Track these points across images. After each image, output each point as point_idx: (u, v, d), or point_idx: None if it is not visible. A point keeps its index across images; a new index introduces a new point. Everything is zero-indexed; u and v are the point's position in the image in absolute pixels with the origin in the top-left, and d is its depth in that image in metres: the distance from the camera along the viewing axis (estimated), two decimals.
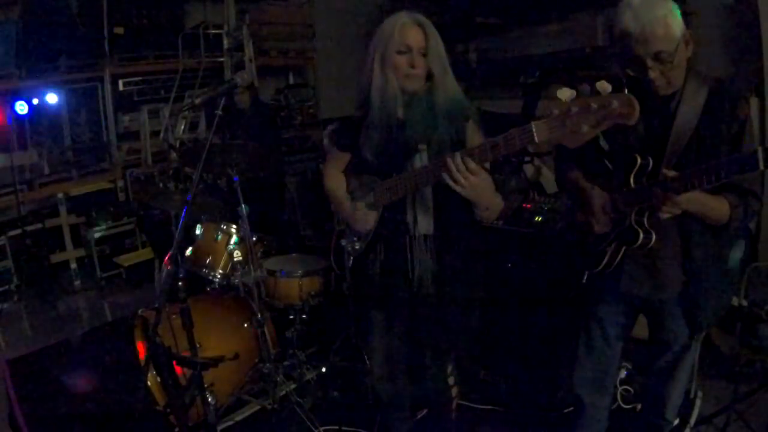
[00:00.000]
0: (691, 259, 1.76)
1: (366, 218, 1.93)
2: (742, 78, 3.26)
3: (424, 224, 1.85)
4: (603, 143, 1.79)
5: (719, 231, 1.70)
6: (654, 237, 1.72)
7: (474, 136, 1.80)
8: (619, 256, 1.81)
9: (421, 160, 1.80)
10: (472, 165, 1.57)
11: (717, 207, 1.64)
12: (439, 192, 1.79)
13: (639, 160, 1.67)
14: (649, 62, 1.62)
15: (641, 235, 1.71)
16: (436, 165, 1.67)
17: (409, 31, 1.77)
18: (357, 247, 1.99)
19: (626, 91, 1.70)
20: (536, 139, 1.43)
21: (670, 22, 1.59)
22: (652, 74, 1.64)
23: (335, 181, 2.08)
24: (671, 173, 1.57)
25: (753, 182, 1.67)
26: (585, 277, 1.91)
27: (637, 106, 1.31)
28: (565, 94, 1.39)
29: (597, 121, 1.33)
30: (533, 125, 1.43)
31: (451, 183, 1.61)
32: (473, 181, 1.59)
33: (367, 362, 2.14)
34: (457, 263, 1.89)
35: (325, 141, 4.64)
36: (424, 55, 1.78)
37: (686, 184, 1.53)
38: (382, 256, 1.95)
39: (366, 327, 2.13)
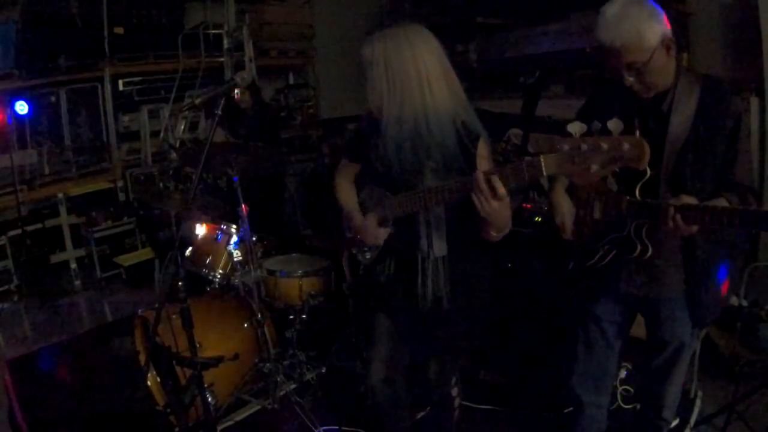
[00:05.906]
0: (694, 259, 1.75)
1: (376, 234, 1.92)
2: (742, 78, 3.26)
3: (439, 247, 1.82)
4: (612, 184, 1.76)
5: (720, 230, 1.69)
6: (651, 251, 1.71)
7: (482, 161, 1.75)
8: (612, 254, 1.81)
9: (432, 177, 1.75)
10: (502, 190, 1.53)
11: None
12: (451, 211, 1.77)
13: (648, 172, 1.61)
14: (624, 71, 1.63)
15: (638, 248, 1.72)
16: (463, 183, 1.62)
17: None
18: (367, 257, 1.99)
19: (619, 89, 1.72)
20: (544, 172, 1.42)
21: (644, 33, 1.57)
22: (628, 82, 1.65)
23: (345, 192, 2.08)
24: (690, 200, 1.55)
25: (751, 180, 1.68)
26: (570, 265, 1.91)
27: (648, 151, 1.28)
28: (575, 128, 1.37)
29: (606, 162, 1.32)
30: (542, 159, 1.41)
31: (476, 202, 1.58)
32: (495, 206, 1.56)
33: (368, 364, 2.13)
34: (469, 280, 1.87)
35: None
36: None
37: (697, 219, 1.51)
38: (392, 269, 1.94)
39: (369, 331, 2.11)
